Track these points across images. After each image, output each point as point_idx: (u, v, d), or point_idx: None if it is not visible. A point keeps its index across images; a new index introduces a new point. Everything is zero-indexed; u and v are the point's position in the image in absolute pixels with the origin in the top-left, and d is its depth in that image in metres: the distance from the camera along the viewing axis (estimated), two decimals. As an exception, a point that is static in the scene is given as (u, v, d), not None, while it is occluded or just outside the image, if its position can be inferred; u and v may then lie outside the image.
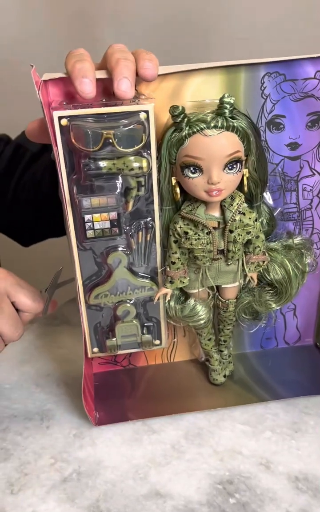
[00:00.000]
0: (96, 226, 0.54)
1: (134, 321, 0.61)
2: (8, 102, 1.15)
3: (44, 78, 0.51)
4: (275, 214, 0.63)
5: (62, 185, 0.53)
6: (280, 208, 0.64)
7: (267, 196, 0.62)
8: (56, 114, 0.49)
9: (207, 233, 0.56)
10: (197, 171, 0.52)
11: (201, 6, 1.07)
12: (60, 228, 0.81)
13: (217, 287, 0.63)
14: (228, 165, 0.52)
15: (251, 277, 0.61)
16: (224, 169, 0.52)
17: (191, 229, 0.56)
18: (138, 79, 0.52)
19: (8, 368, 0.74)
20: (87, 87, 0.50)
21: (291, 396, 0.67)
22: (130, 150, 0.51)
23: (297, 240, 0.63)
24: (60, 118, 0.49)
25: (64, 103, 0.51)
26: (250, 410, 0.66)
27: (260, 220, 0.60)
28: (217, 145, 0.51)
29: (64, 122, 0.49)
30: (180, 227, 0.56)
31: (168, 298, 0.61)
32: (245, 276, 0.61)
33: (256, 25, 1.05)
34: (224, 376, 0.69)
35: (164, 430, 0.64)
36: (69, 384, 0.71)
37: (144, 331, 0.62)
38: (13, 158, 0.82)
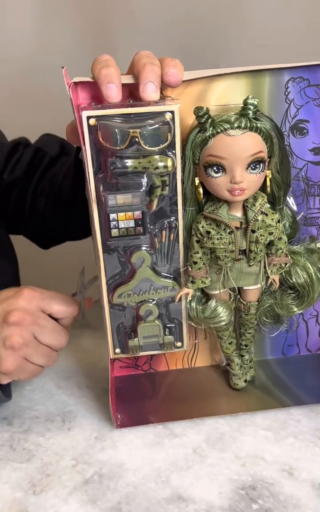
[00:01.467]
0: (121, 225, 0.55)
1: (156, 321, 0.61)
2: (32, 109, 1.18)
3: (74, 80, 0.53)
4: (298, 218, 0.63)
5: (89, 183, 0.54)
6: (303, 213, 0.64)
7: (291, 200, 0.63)
8: (85, 113, 0.51)
9: (229, 233, 0.56)
10: (220, 170, 0.53)
11: (223, 14, 1.10)
12: (79, 231, 0.82)
13: (239, 289, 0.63)
14: (251, 165, 0.53)
15: (273, 279, 0.61)
16: (247, 168, 0.53)
17: (213, 228, 0.57)
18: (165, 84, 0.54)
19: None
20: (113, 92, 0.52)
21: (314, 402, 0.66)
22: (156, 149, 0.52)
23: (319, 244, 0.63)
24: (88, 117, 0.51)
25: (93, 104, 0.53)
26: (271, 416, 0.65)
27: (282, 223, 0.60)
28: (240, 145, 0.52)
29: (92, 121, 0.51)
30: (202, 227, 0.57)
31: (189, 298, 0.62)
32: (267, 278, 0.61)
33: (278, 31, 1.07)
34: (245, 381, 0.68)
35: (185, 434, 0.63)
36: (90, 387, 0.71)
37: (166, 332, 0.63)
38: (32, 161, 0.84)
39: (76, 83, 0.54)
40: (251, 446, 0.61)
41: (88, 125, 0.51)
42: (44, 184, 0.83)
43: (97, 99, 0.54)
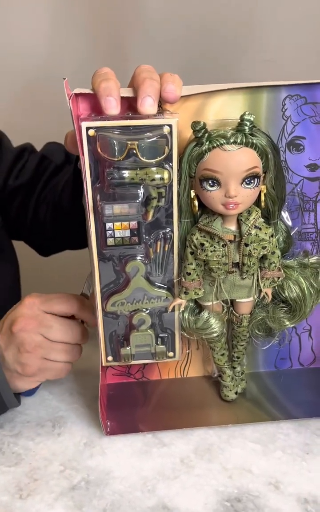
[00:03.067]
0: (117, 234, 0.56)
1: (149, 330, 0.62)
2: (41, 116, 1.19)
3: (75, 91, 0.54)
4: (292, 233, 0.64)
5: (87, 193, 0.55)
6: (297, 228, 0.65)
7: (285, 215, 0.64)
8: (84, 124, 0.52)
9: (223, 246, 0.57)
10: (215, 184, 0.54)
11: (230, 28, 1.11)
12: (79, 241, 0.83)
13: (232, 301, 0.64)
14: (246, 180, 0.54)
15: (266, 293, 0.62)
16: (242, 183, 0.54)
17: (207, 241, 0.58)
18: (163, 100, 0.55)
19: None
20: (111, 104, 0.53)
21: (304, 417, 0.66)
22: (153, 161, 0.53)
23: (313, 259, 0.64)
24: (88, 128, 0.52)
25: (93, 115, 0.54)
26: (261, 429, 0.65)
27: (276, 237, 0.61)
28: (236, 160, 0.53)
29: (91, 132, 0.52)
30: (197, 239, 0.58)
31: (182, 308, 0.62)
32: (260, 291, 0.62)
33: (284, 47, 1.08)
34: (236, 393, 0.69)
35: (173, 444, 0.64)
36: (82, 394, 0.72)
37: (158, 342, 0.63)
38: (37, 169, 0.85)
39: (77, 94, 0.55)
40: (239, 458, 0.62)
41: (87, 135, 0.52)
42: (47, 192, 0.84)
43: (97, 110, 0.56)
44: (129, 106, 0.56)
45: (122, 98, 0.54)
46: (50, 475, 0.60)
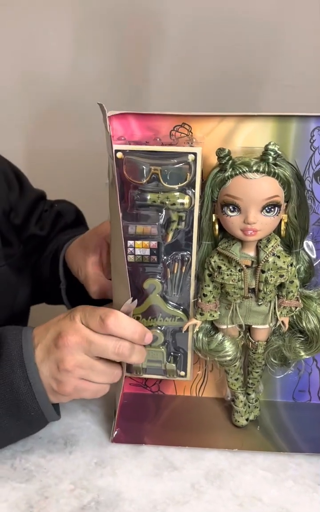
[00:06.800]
0: (137, 252, 0.58)
1: (161, 347, 0.63)
2: (64, 132, 1.23)
3: (109, 114, 0.56)
4: (315, 264, 0.64)
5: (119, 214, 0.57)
6: (321, 259, 0.65)
7: (310, 245, 0.63)
8: (113, 147, 0.54)
9: (239, 270, 0.58)
10: (235, 210, 0.56)
11: (251, 53, 1.12)
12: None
13: (249, 327, 0.64)
14: (266, 208, 0.55)
15: (282, 321, 0.62)
16: (262, 211, 0.55)
17: (224, 264, 0.59)
18: (195, 119, 0.57)
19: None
20: None
21: (311, 452, 0.65)
22: (175, 186, 0.56)
23: (334, 291, 0.64)
24: (116, 151, 0.54)
25: (123, 138, 0.57)
26: (272, 457, 0.64)
27: (297, 267, 0.61)
28: (257, 188, 0.55)
29: (119, 155, 0.55)
30: (214, 261, 0.59)
31: (196, 329, 0.63)
32: (277, 319, 0.62)
33: (305, 73, 1.09)
34: (247, 419, 0.68)
35: (184, 468, 0.63)
36: (94, 411, 0.72)
37: (170, 360, 0.64)
38: (54, 224, 0.90)
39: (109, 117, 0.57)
40: (249, 485, 0.61)
41: (116, 158, 0.55)
42: (54, 244, 0.88)
43: (126, 134, 0.58)
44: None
45: (147, 117, 0.56)
46: (61, 493, 0.59)
